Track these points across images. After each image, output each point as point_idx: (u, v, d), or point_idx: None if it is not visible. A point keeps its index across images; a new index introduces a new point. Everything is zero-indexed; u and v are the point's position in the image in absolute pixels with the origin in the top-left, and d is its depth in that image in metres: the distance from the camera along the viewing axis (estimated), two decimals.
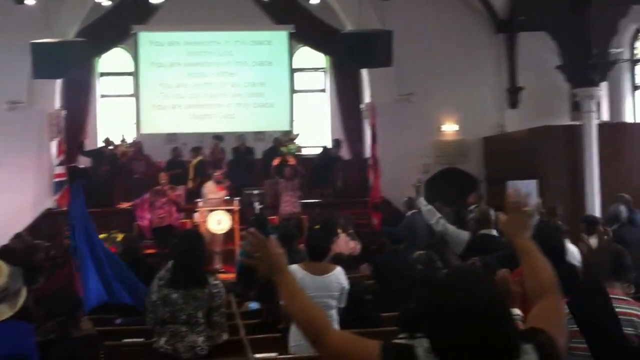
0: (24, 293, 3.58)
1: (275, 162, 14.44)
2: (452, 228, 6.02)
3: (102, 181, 14.59)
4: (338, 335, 2.32)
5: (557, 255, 4.50)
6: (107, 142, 15.25)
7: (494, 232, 6.79)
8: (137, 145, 15.34)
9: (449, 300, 1.95)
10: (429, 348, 2.01)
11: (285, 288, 2.44)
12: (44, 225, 14.01)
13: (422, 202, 6.56)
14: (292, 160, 14.15)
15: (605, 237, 6.64)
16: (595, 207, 12.30)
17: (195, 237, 5.79)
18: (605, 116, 15.63)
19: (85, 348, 3.91)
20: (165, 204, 12.66)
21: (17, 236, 10.45)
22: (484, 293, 1.95)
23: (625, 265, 3.87)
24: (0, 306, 3.47)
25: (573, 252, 7.90)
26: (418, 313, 5.41)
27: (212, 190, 12.74)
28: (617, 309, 3.51)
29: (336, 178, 15.35)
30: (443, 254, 8.12)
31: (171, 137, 16.42)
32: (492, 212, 7.33)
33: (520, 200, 2.60)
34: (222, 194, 12.65)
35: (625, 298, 3.67)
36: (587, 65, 12.47)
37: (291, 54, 16.95)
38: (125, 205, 13.15)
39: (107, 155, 14.99)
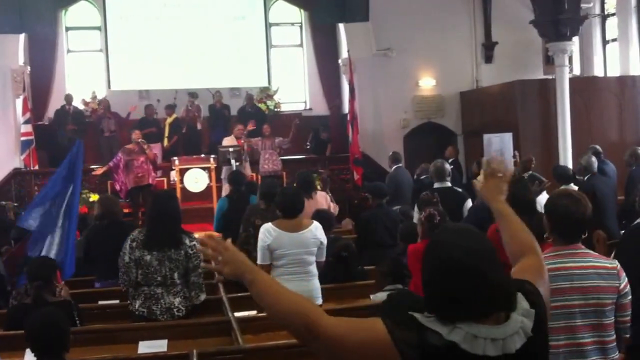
0: None
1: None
2: None
3: (67, 141, 13.81)
4: (335, 321, 2.07)
5: (528, 208, 4.81)
6: (68, 99, 14.50)
7: (448, 184, 7.77)
8: (104, 102, 14.55)
9: (452, 258, 1.98)
10: (425, 313, 2.02)
11: (261, 286, 2.19)
12: (12, 185, 13.57)
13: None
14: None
15: None
16: (567, 159, 12.69)
17: (169, 198, 5.68)
18: (577, 70, 15.97)
19: (60, 313, 3.75)
20: (144, 162, 12.06)
21: None
22: (480, 248, 2.00)
23: None
24: None
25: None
26: (401, 264, 5.78)
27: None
28: None
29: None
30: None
31: (143, 94, 15.88)
32: (447, 166, 8.00)
33: (498, 166, 2.68)
34: None
35: None
36: (559, 20, 12.74)
37: (267, 8, 16.69)
38: (100, 171, 12.47)
39: (71, 114, 14.33)
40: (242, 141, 12.42)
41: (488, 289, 1.96)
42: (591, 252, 3.34)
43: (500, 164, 2.71)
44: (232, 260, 2.24)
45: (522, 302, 2.05)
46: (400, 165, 11.30)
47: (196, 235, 5.26)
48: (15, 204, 10.89)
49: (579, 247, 3.27)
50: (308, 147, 15.14)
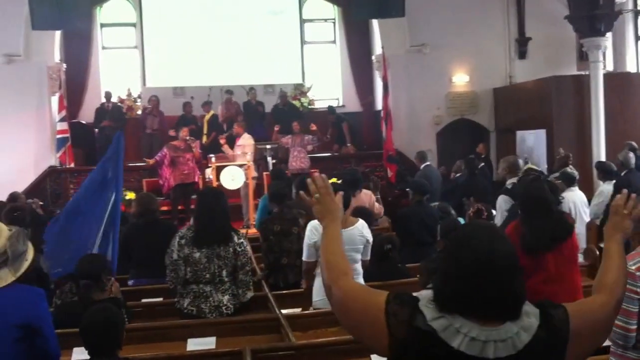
0: (29, 257, 3.27)
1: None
2: None
3: (105, 139, 13.70)
4: (352, 283, 2.31)
5: (545, 207, 4.72)
6: (108, 96, 14.66)
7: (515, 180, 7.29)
8: (154, 100, 14.53)
9: (470, 254, 1.98)
10: (429, 299, 2.05)
11: (329, 234, 2.50)
12: (47, 183, 13.60)
13: None
14: (313, 126, 13.12)
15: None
16: (601, 155, 12.57)
17: (217, 194, 5.65)
18: (609, 66, 15.81)
19: (115, 310, 3.67)
20: (190, 160, 12.05)
21: (12, 196, 9.64)
22: (501, 248, 1.99)
23: None
24: (1, 271, 3.15)
25: (580, 197, 8.21)
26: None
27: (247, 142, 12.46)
28: None
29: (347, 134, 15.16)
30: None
31: (178, 90, 15.95)
32: (520, 162, 7.74)
33: (624, 203, 2.60)
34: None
35: None
36: (595, 15, 12.64)
37: (301, 4, 16.74)
38: (152, 161, 12.28)
39: (110, 110, 14.40)
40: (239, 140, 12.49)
41: (500, 291, 1.96)
42: None
43: (628, 200, 2.63)
44: (324, 203, 2.55)
45: (530, 318, 2.02)
46: (429, 163, 11.30)
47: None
48: (41, 202, 10.75)
49: None
50: (328, 138, 15.01)
